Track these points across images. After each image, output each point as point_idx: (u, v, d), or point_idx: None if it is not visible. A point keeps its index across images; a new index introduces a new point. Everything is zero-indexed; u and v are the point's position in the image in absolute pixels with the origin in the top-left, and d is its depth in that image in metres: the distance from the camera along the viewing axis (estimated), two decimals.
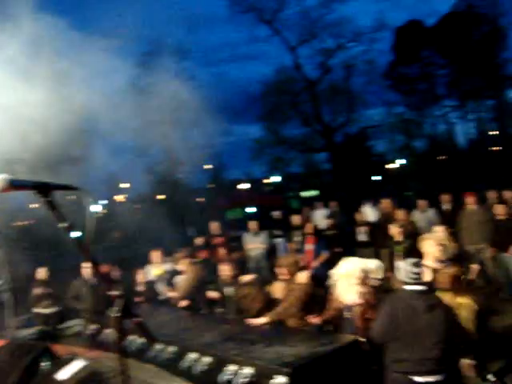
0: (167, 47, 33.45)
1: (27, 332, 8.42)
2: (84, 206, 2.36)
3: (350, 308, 5.11)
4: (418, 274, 4.26)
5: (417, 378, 4.02)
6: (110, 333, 6.60)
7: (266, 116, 32.86)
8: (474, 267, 7.85)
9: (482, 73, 41.94)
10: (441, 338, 4.06)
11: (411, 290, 4.22)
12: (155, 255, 9.51)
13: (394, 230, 8.85)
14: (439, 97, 43.69)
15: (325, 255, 9.77)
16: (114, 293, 2.21)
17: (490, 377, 8.31)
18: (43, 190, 2.15)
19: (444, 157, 47.06)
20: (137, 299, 8.62)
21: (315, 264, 9.63)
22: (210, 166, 38.74)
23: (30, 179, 2.16)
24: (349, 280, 5.00)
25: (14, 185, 2.03)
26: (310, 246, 10.10)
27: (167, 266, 9.39)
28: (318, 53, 32.23)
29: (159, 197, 38.11)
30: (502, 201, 10.16)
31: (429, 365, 4.02)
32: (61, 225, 2.17)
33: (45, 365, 5.03)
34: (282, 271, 6.07)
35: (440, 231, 7.26)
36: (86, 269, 8.48)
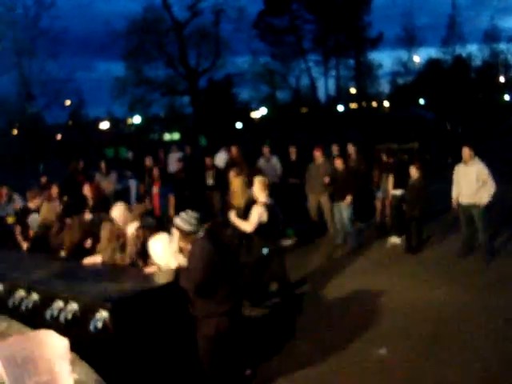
0: None
1: None
2: None
3: None
4: (197, 218, 4.55)
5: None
6: None
7: (130, 54, 31.80)
8: None
9: (345, 32, 43.76)
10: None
11: (203, 236, 4.47)
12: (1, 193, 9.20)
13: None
14: (304, 51, 45.06)
15: (171, 198, 10.02)
16: None
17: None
18: None
19: (305, 109, 48.97)
20: None
21: (171, 212, 9.91)
22: (70, 103, 37.01)
23: None
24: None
25: None
26: (156, 190, 10.32)
27: (19, 204, 9.12)
28: None
29: (13, 131, 35.93)
30: (344, 154, 10.93)
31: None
32: None
33: None
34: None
35: None
36: None
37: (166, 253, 5.07)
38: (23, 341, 2.88)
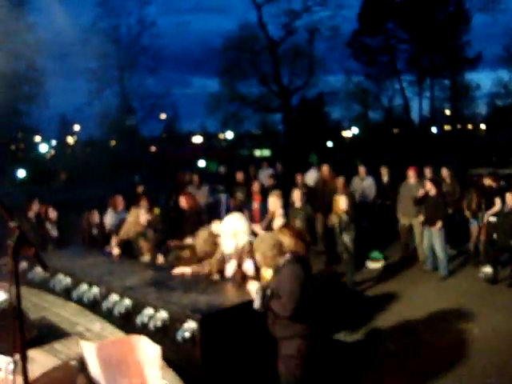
0: None
1: None
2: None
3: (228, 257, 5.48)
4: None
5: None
6: (38, 271, 6.73)
7: (225, 71, 32.68)
8: None
9: (441, 52, 42.50)
10: None
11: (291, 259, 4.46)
12: (118, 200, 9.59)
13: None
14: (398, 71, 44.24)
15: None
16: (12, 224, 2.34)
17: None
18: None
19: (397, 130, 47.98)
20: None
21: (264, 224, 9.93)
22: (165, 116, 38.45)
23: None
24: (225, 234, 5.40)
25: None
26: (256, 205, 10.24)
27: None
28: (283, 13, 32.06)
29: (111, 142, 37.81)
30: (436, 177, 10.60)
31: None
32: None
33: None
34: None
35: None
36: None
37: (237, 229, 5.27)
38: (118, 343, 3.03)
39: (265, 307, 4.31)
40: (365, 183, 11.40)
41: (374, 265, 9.99)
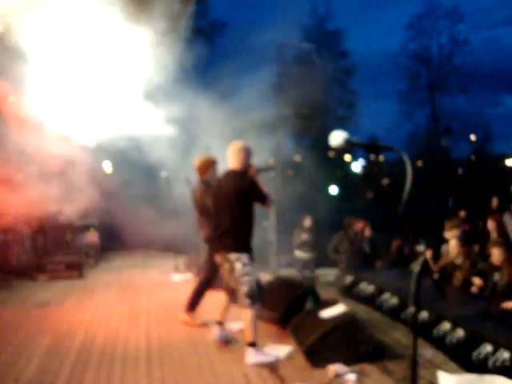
0: (441, 9, 32.24)
1: (287, 271, 9.32)
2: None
3: None
4: None
5: None
6: (365, 287, 7.01)
7: None
8: None
9: None
10: None
11: None
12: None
13: None
14: None
15: None
16: (418, 249, 2.40)
17: None
18: (371, 149, 2.54)
19: None
20: None
21: None
22: (474, 138, 36.75)
23: (359, 139, 2.55)
24: None
25: (349, 142, 2.46)
26: None
27: None
28: None
29: (417, 162, 37.56)
30: None
31: None
32: (383, 181, 2.51)
33: (309, 303, 5.64)
34: None
35: None
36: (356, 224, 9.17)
37: None
38: (478, 380, 2.89)
39: None
40: None
41: None
